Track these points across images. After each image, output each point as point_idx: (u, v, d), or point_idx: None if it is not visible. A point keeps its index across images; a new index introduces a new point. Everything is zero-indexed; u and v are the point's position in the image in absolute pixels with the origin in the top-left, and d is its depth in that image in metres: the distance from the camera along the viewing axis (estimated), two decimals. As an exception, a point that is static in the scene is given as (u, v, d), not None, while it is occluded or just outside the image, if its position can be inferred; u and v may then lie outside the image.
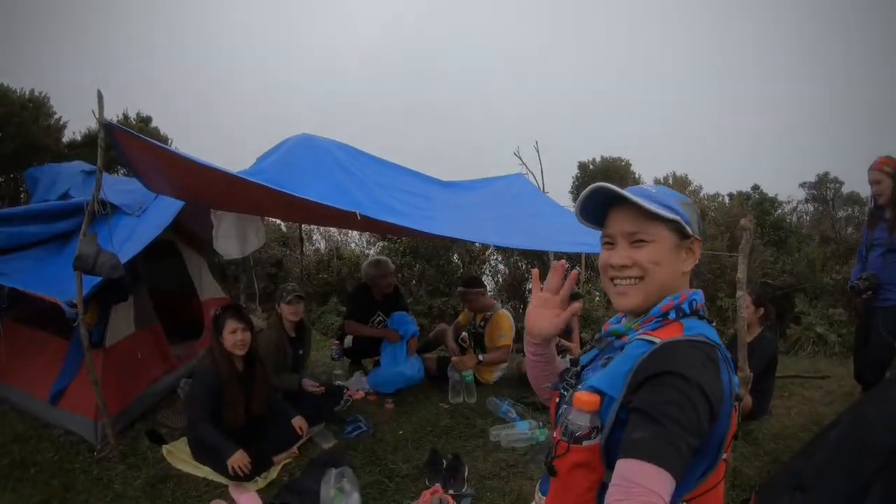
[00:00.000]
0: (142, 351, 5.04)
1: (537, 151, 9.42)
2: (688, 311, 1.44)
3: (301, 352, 5.36)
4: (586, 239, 5.30)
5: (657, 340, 1.34)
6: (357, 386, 5.94)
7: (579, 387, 1.46)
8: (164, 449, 4.34)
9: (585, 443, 1.31)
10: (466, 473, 4.17)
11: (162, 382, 5.29)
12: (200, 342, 6.12)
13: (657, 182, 15.12)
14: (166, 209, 4.92)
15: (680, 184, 15.08)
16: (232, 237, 5.19)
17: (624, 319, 1.58)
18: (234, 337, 4.15)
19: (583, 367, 1.61)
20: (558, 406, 1.56)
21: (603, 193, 1.47)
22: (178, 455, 4.26)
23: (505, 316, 6.29)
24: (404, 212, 4.65)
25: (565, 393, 1.54)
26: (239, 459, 3.87)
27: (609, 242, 1.51)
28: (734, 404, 1.36)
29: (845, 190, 13.22)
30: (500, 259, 12.04)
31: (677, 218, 1.43)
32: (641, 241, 1.44)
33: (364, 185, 4.74)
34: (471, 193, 6.20)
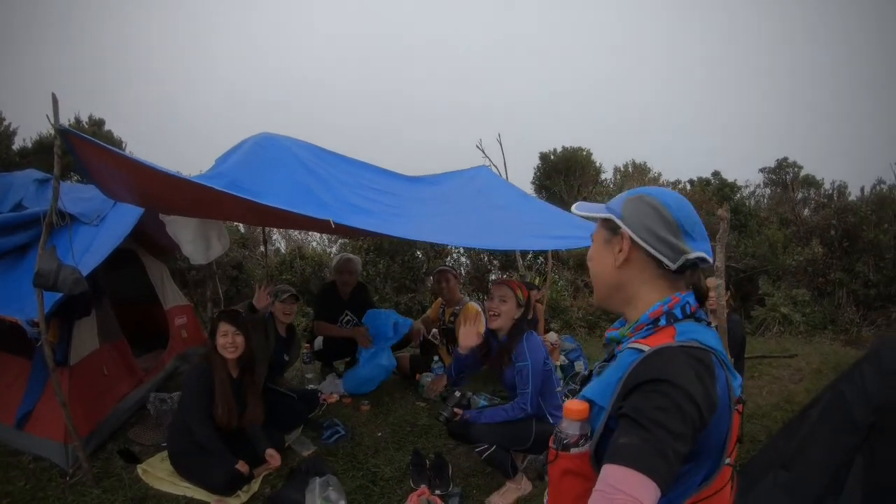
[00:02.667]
0: (108, 366, 4.85)
1: (500, 143, 9.37)
2: (680, 315, 1.41)
3: (286, 358, 5.26)
4: (559, 232, 5.29)
5: (646, 348, 1.32)
6: (331, 389, 5.85)
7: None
8: (140, 468, 4.18)
9: (574, 450, 1.32)
10: (451, 472, 4.15)
11: (130, 398, 5.10)
12: (167, 352, 5.96)
13: (616, 171, 15.31)
14: (125, 216, 4.76)
15: (640, 171, 15.25)
16: (197, 242, 5.05)
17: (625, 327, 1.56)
18: (225, 339, 4.06)
19: (590, 373, 1.60)
20: None
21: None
22: (155, 473, 4.11)
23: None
24: (372, 210, 4.55)
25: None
26: (243, 465, 3.88)
27: None
28: (735, 408, 1.34)
29: (803, 173, 13.57)
30: (462, 251, 11.98)
31: (606, 216, 1.49)
32: (592, 241, 1.57)
33: (329, 184, 4.63)
34: (435, 188, 6.11)
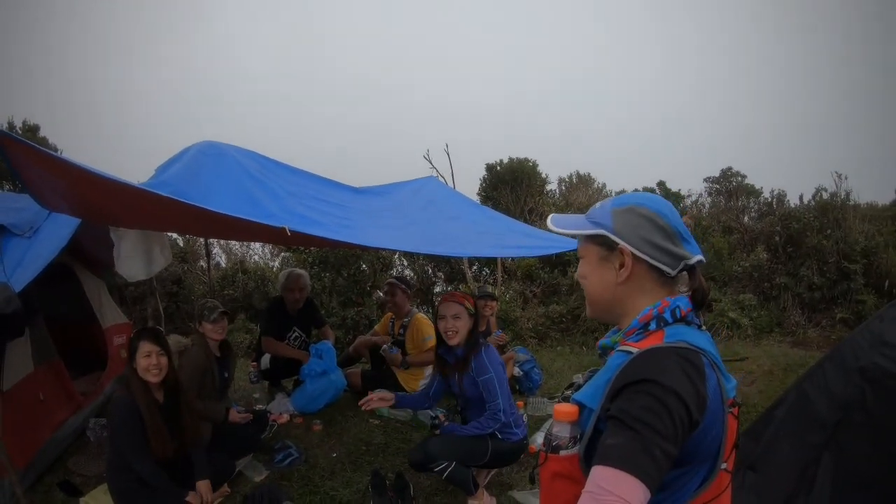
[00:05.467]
0: (44, 391, 4.52)
1: (448, 154, 9.29)
2: (670, 319, 1.41)
3: (227, 374, 4.99)
4: (514, 241, 5.23)
5: (635, 350, 1.34)
6: (280, 409, 5.64)
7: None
8: (82, 501, 3.93)
9: (563, 452, 1.34)
10: (413, 492, 4.06)
11: (69, 425, 4.80)
12: (106, 374, 5.66)
13: (560, 181, 15.41)
14: (61, 228, 4.45)
15: (583, 182, 15.42)
16: (136, 257, 4.77)
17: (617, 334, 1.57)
18: (148, 361, 3.67)
19: (585, 382, 1.57)
20: None
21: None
22: (100, 506, 3.84)
23: (424, 319, 6.19)
24: (321, 222, 4.40)
25: None
26: (195, 498, 3.66)
27: None
28: (730, 410, 1.36)
29: (747, 182, 14.10)
30: (406, 264, 11.83)
31: (598, 231, 1.47)
32: (581, 257, 1.56)
33: (276, 195, 4.46)
34: (383, 199, 5.98)
